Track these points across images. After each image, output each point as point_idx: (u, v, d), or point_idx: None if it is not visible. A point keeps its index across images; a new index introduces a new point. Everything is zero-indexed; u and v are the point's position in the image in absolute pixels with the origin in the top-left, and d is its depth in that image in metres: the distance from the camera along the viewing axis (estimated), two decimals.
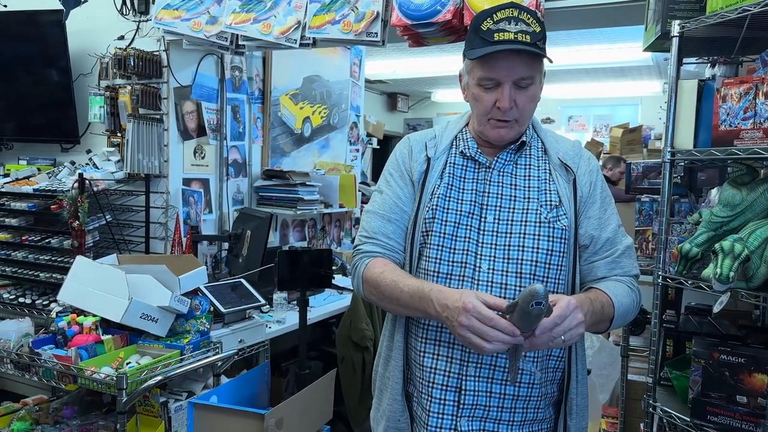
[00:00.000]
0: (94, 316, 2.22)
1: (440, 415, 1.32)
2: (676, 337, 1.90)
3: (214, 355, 2.27)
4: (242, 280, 2.75)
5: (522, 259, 1.28)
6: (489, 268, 1.29)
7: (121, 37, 3.11)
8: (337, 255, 4.17)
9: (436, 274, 1.32)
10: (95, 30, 3.17)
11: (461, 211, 1.33)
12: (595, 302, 1.24)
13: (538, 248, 1.29)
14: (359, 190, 4.45)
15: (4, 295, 2.99)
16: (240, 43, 2.67)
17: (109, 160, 3.02)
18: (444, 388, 1.32)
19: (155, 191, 3.07)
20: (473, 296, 1.12)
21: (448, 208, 1.34)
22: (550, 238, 1.29)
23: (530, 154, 1.38)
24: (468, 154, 1.38)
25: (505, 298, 1.25)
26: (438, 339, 1.33)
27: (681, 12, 1.78)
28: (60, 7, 2.94)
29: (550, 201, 1.32)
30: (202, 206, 3.19)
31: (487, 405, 1.31)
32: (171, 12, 2.70)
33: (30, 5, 3.01)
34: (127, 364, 2.08)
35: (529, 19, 1.25)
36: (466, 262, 1.30)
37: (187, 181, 3.20)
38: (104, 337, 2.15)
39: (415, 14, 2.29)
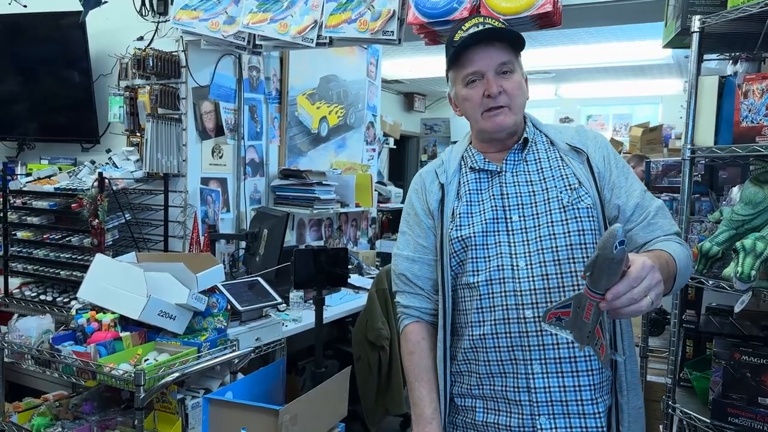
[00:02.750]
0: (113, 313, 2.25)
1: (519, 416, 1.31)
2: (697, 338, 1.87)
3: (231, 352, 2.28)
4: (259, 279, 2.77)
5: (556, 246, 1.29)
6: (527, 264, 1.30)
7: (141, 38, 3.15)
8: (354, 254, 4.18)
9: (476, 285, 1.33)
10: (115, 31, 3.21)
11: (485, 220, 1.35)
12: (661, 258, 1.19)
13: (569, 232, 1.30)
14: (375, 190, 4.45)
15: (26, 292, 3.04)
16: (257, 42, 2.69)
17: (128, 159, 3.06)
18: (514, 390, 1.31)
19: (174, 190, 3.10)
20: None
21: (472, 223, 1.36)
22: (578, 219, 1.30)
23: (537, 149, 1.41)
24: (477, 167, 1.41)
25: (548, 288, 1.27)
26: (496, 345, 1.32)
27: (701, 7, 1.76)
28: (100, 3, 2.97)
29: (569, 185, 1.34)
30: (220, 205, 3.22)
31: (564, 400, 1.28)
32: (189, 12, 2.72)
33: (51, 6, 3.05)
34: (145, 360, 2.10)
35: (495, 22, 1.35)
36: (503, 265, 1.31)
37: (205, 180, 3.22)
38: (123, 334, 2.17)
39: (431, 12, 2.29)
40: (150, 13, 3.13)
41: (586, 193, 1.32)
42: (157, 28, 3.11)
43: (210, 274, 2.37)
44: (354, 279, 3.77)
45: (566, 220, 1.30)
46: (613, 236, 0.92)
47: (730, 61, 2.26)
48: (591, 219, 1.31)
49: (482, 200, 1.38)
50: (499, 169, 1.39)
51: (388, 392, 3.19)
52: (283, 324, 2.80)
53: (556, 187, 1.34)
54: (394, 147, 6.77)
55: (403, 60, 5.85)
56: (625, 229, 1.24)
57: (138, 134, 3.10)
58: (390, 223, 5.92)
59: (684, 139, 1.72)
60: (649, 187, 2.43)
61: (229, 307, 2.49)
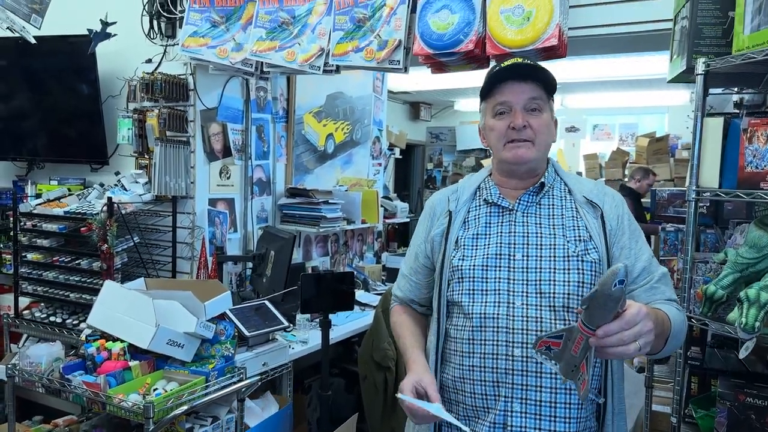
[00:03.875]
0: (122, 341, 2.27)
1: None
2: (702, 375, 1.88)
3: (238, 381, 2.30)
4: (265, 302, 2.79)
5: (554, 293, 1.32)
6: (523, 304, 1.33)
7: (149, 60, 3.17)
8: (360, 270, 4.20)
9: (470, 316, 1.37)
10: (123, 52, 3.23)
11: (488, 254, 1.38)
12: (657, 314, 1.21)
13: (569, 281, 1.32)
14: (381, 205, 4.47)
15: (36, 314, 3.07)
16: (265, 69, 2.71)
17: (137, 182, 3.08)
18: (491, 425, 1.34)
19: (182, 212, 3.12)
20: (409, 383, 1.32)
21: (475, 255, 1.39)
22: (580, 271, 1.32)
23: (553, 195, 1.44)
24: (490, 201, 1.44)
25: (541, 331, 1.30)
26: (483, 378, 1.36)
27: (706, 47, 1.76)
28: (109, 36, 3.00)
29: (579, 236, 1.36)
30: (227, 227, 3.24)
31: None
32: (197, 39, 2.75)
33: (60, 29, 3.08)
34: (154, 390, 2.12)
35: (534, 64, 1.41)
36: (499, 302, 1.34)
37: (213, 202, 3.25)
38: (132, 363, 2.19)
39: (437, 44, 2.30)
40: (158, 36, 3.15)
41: (594, 248, 1.35)
42: (165, 51, 3.14)
43: (218, 302, 2.39)
44: (360, 295, 3.79)
45: (569, 269, 1.33)
46: (615, 274, 0.95)
47: (736, 89, 2.26)
48: (593, 273, 1.33)
49: (489, 234, 1.41)
50: (511, 207, 1.42)
51: (394, 413, 3.21)
52: (290, 347, 2.82)
53: (564, 236, 1.36)
54: (401, 157, 6.78)
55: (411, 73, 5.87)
56: (627, 287, 1.30)
57: (146, 156, 3.13)
58: (396, 232, 5.94)
59: (688, 179, 1.73)
60: (653, 215, 2.44)
61: (236, 333, 2.52)
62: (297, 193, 3.66)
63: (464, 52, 2.28)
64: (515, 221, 1.40)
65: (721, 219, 2.17)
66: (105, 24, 2.80)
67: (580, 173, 7.31)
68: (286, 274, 2.93)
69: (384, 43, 2.45)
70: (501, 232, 1.40)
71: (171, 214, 3.06)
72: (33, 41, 2.04)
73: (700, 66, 1.69)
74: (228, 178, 3.34)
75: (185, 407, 2.06)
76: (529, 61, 1.40)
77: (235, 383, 2.30)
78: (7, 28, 1.90)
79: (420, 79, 6.15)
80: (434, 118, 8.38)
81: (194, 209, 3.13)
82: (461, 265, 1.39)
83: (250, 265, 3.38)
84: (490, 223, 1.42)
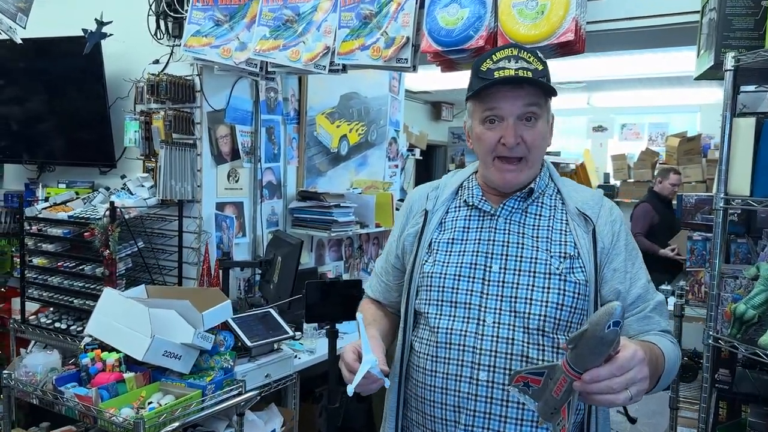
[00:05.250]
0: (118, 351, 2.20)
1: None
2: (731, 400, 1.72)
3: (236, 395, 2.21)
4: (270, 310, 2.70)
5: (529, 313, 1.19)
6: (494, 322, 1.20)
7: (156, 61, 3.11)
8: None
9: (435, 330, 1.25)
10: (131, 54, 3.18)
11: (462, 263, 1.25)
12: (653, 352, 1.09)
13: (547, 302, 1.19)
14: (397, 208, 4.35)
15: (42, 319, 3.03)
16: (269, 69, 2.62)
17: (142, 185, 3.02)
18: None
19: (188, 216, 3.05)
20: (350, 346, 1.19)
21: (447, 262, 1.27)
22: (561, 292, 1.19)
23: (542, 203, 1.29)
24: (471, 203, 1.31)
25: (510, 354, 1.18)
26: (443, 401, 1.25)
27: (737, 41, 1.61)
28: (105, 36, 2.95)
29: (565, 252, 1.22)
30: (234, 232, 3.16)
31: None
32: (200, 39, 2.66)
33: (66, 30, 3.03)
34: (149, 404, 2.04)
35: (530, 57, 1.21)
36: (469, 317, 1.22)
37: (220, 205, 3.17)
38: (126, 375, 2.12)
39: (446, 40, 2.17)
40: (165, 36, 3.08)
41: (581, 268, 1.21)
42: (172, 51, 3.07)
43: (217, 312, 2.30)
44: None
45: (548, 288, 1.19)
46: (609, 314, 0.83)
47: None
48: (576, 296, 1.20)
49: (466, 239, 1.28)
50: (493, 212, 1.29)
51: None
52: (296, 356, 2.72)
53: (549, 250, 1.22)
54: (421, 158, 6.65)
55: (430, 72, 5.74)
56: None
57: (153, 159, 3.06)
58: None
59: (716, 186, 1.58)
60: (679, 223, 2.28)
61: (238, 344, 2.43)
62: (308, 197, 3.56)
63: (475, 49, 2.14)
64: (496, 228, 1.26)
65: (754, 227, 2.00)
66: (100, 23, 2.74)
67: (607, 174, 7.09)
68: (293, 280, 2.84)
69: (391, 41, 2.33)
70: (479, 239, 1.26)
71: (177, 219, 2.99)
72: (20, 41, 1.98)
73: (730, 61, 1.54)
74: (237, 181, 3.26)
75: (177, 423, 1.97)
76: (525, 58, 1.21)
77: (233, 397, 2.21)
78: None
79: (440, 79, 6.01)
80: (456, 117, 8.22)
81: (201, 213, 3.05)
82: (431, 272, 1.27)
83: (259, 270, 3.29)
84: (468, 228, 1.29)
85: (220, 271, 2.95)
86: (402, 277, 1.38)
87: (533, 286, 1.20)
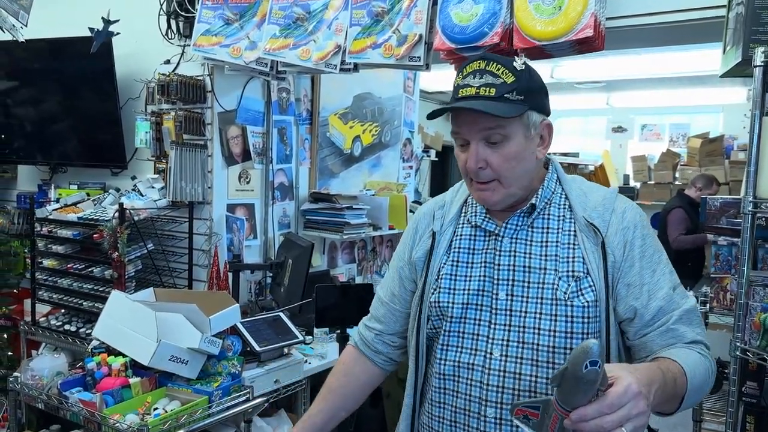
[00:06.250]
0: (124, 356, 2.16)
1: None
2: (759, 414, 1.63)
3: (244, 401, 2.16)
4: (280, 314, 2.65)
5: (538, 345, 1.13)
6: (502, 355, 1.15)
7: (167, 62, 3.08)
8: None
9: (444, 362, 1.21)
10: (142, 54, 3.15)
11: (470, 289, 1.20)
12: (667, 374, 1.00)
13: (555, 331, 1.13)
14: (411, 210, 4.28)
15: (52, 321, 3.01)
16: (280, 69, 2.57)
17: (153, 187, 2.99)
18: None
19: (199, 218, 3.01)
20: None
21: (454, 289, 1.22)
22: (569, 319, 1.12)
23: (548, 215, 1.21)
24: (474, 222, 1.25)
25: (518, 390, 1.13)
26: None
27: (767, 35, 1.52)
28: (112, 34, 2.93)
29: (573, 271, 1.14)
30: (244, 234, 3.12)
31: None
32: (209, 38, 2.62)
33: (77, 30, 3.01)
34: (154, 409, 2.00)
35: (499, 70, 1.12)
36: (476, 349, 1.17)
37: (231, 207, 3.13)
38: (132, 381, 2.08)
39: (459, 38, 2.11)
40: (176, 36, 3.05)
41: (591, 287, 1.13)
42: (183, 51, 3.04)
43: (224, 316, 2.26)
44: None
45: (556, 316, 1.13)
46: (586, 353, 0.80)
47: None
48: (585, 321, 1.12)
49: (471, 263, 1.23)
50: (497, 231, 1.22)
51: None
52: (306, 361, 2.67)
53: (556, 270, 1.15)
54: (437, 159, 6.57)
55: (446, 72, 5.67)
56: (641, 335, 1.11)
57: (164, 160, 3.03)
58: None
59: (744, 189, 1.49)
60: (703, 227, 2.19)
61: (247, 348, 2.38)
62: (320, 198, 3.51)
63: (489, 46, 2.08)
64: (501, 250, 1.20)
65: None
66: (107, 22, 2.71)
67: (627, 176, 6.96)
68: (304, 283, 2.79)
69: (403, 39, 2.27)
70: (485, 262, 1.21)
71: (187, 220, 2.95)
72: (22, 39, 1.96)
73: (759, 56, 1.45)
74: (248, 182, 3.22)
75: (183, 430, 1.93)
76: (491, 68, 1.12)
77: (240, 404, 2.16)
78: None
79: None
80: None
81: (211, 215, 3.02)
82: (438, 301, 1.22)
83: (270, 273, 3.25)
84: (473, 250, 1.23)
85: (230, 274, 2.91)
86: (403, 304, 1.35)
87: (541, 313, 1.14)
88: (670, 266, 1.18)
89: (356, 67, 2.44)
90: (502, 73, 1.12)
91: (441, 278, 1.23)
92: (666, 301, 1.13)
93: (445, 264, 1.24)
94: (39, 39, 3.17)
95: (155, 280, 2.94)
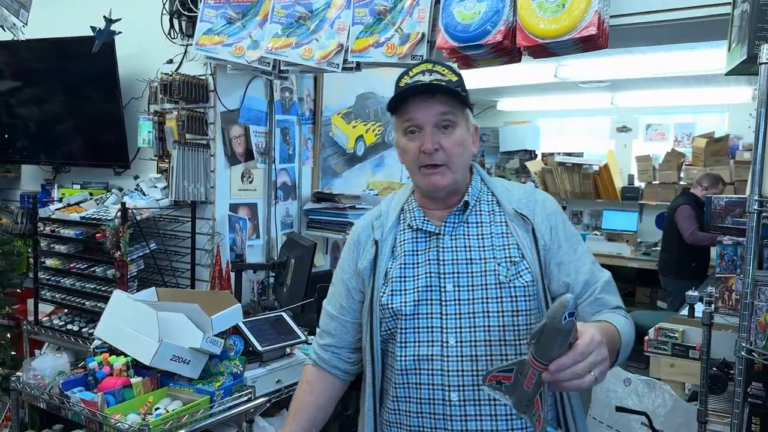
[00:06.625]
0: (126, 356, 2.16)
1: None
2: (764, 415, 1.61)
3: (246, 401, 2.15)
4: (283, 314, 2.64)
5: (489, 326, 1.25)
6: (457, 342, 1.25)
7: (170, 61, 3.07)
8: None
9: (404, 358, 1.28)
10: (145, 53, 3.16)
11: (419, 287, 1.29)
12: (608, 332, 1.14)
13: (503, 311, 1.25)
14: None
15: (55, 321, 3.01)
16: (282, 68, 2.56)
17: (155, 186, 2.99)
18: None
19: (201, 217, 3.01)
20: None
21: (404, 289, 1.31)
22: (513, 298, 1.26)
23: (480, 210, 1.34)
24: (415, 226, 1.34)
25: (476, 371, 1.23)
26: (420, 424, 1.29)
27: None
28: (114, 33, 2.93)
29: (510, 257, 1.28)
30: (246, 233, 3.11)
31: None
32: (211, 37, 2.62)
33: (79, 30, 3.01)
34: (156, 409, 1.99)
35: (444, 71, 1.28)
36: (433, 341, 1.26)
37: (234, 207, 3.12)
38: (133, 380, 2.07)
39: (462, 36, 2.10)
40: (179, 35, 3.05)
41: (527, 269, 1.27)
42: (185, 51, 3.03)
43: (226, 316, 2.25)
44: None
45: (501, 298, 1.25)
46: (564, 307, 0.91)
47: None
48: (527, 298, 1.25)
49: (417, 263, 1.32)
50: (437, 231, 1.33)
51: None
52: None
53: (495, 258, 1.28)
54: None
55: None
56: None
57: (166, 160, 3.03)
58: None
59: (749, 188, 1.48)
60: (708, 226, 2.17)
61: (249, 348, 2.37)
62: (323, 198, 3.51)
63: (492, 45, 2.06)
64: (443, 246, 1.31)
65: None
66: (109, 21, 2.71)
67: (632, 176, 6.92)
68: (306, 283, 2.78)
69: (406, 37, 2.26)
70: (429, 261, 1.31)
71: (190, 220, 2.95)
72: (23, 37, 1.96)
73: (765, 54, 1.44)
74: (251, 182, 3.21)
75: (184, 430, 1.92)
76: (439, 71, 1.28)
77: (242, 404, 2.15)
78: (0, 25, 1.82)
79: None
80: (476, 118, 7.92)
81: (214, 215, 3.02)
82: (391, 303, 1.30)
83: (273, 273, 3.24)
84: (416, 251, 1.33)
85: (233, 274, 2.90)
86: (353, 315, 1.41)
87: (487, 298, 1.25)
88: (585, 245, 1.36)
89: (358, 66, 2.43)
90: (447, 73, 1.28)
91: (390, 281, 1.31)
92: (590, 274, 1.29)
93: (392, 268, 1.32)
94: (42, 39, 3.18)
95: (158, 279, 2.93)
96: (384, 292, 1.31)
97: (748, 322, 1.47)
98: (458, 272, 1.27)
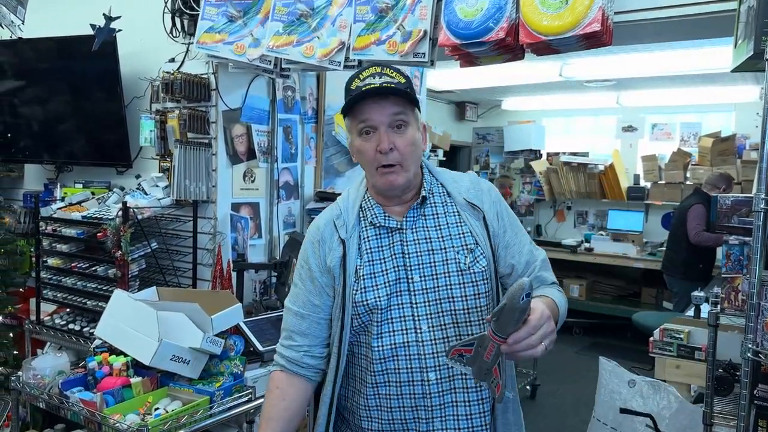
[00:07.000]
0: (126, 355, 2.15)
1: None
2: None
3: (246, 402, 2.14)
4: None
5: (455, 310, 1.36)
6: (429, 327, 1.35)
7: (172, 60, 3.06)
8: None
9: (381, 348, 1.36)
10: (147, 52, 3.14)
11: (389, 282, 1.37)
12: (551, 306, 1.28)
13: (466, 296, 1.36)
14: None
15: (56, 320, 3.01)
16: (283, 66, 2.55)
17: (157, 185, 2.98)
18: None
19: (203, 216, 3.00)
20: None
21: (376, 285, 1.38)
22: (474, 283, 1.37)
23: (434, 203, 1.43)
24: (377, 223, 1.41)
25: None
26: (401, 404, 1.38)
27: None
28: (114, 31, 2.92)
29: (466, 245, 1.39)
30: (248, 233, 3.10)
31: None
32: (212, 36, 2.61)
33: (81, 29, 3.00)
34: (155, 410, 1.98)
35: (393, 73, 1.36)
36: (406, 329, 1.36)
37: (236, 206, 3.11)
38: (133, 381, 2.06)
39: (464, 33, 2.08)
40: (180, 34, 3.04)
41: (482, 254, 1.38)
42: (187, 49, 3.02)
43: (226, 316, 2.24)
44: None
45: (464, 283, 1.36)
46: (522, 289, 1.06)
47: None
48: (485, 282, 1.38)
49: (384, 258, 1.40)
50: (399, 226, 1.40)
51: None
52: None
53: (454, 247, 1.38)
54: (444, 159, 6.52)
55: (453, 71, 5.63)
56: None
57: (168, 159, 3.02)
58: None
59: (756, 186, 1.45)
60: (714, 226, 2.14)
61: (250, 348, 2.36)
62: (326, 197, 3.49)
63: (495, 42, 2.04)
64: (406, 240, 1.39)
65: None
66: (109, 18, 2.69)
67: (637, 175, 6.88)
68: None
69: (408, 35, 2.24)
70: (395, 255, 1.39)
71: (191, 219, 2.94)
72: (21, 34, 1.94)
73: None
74: (253, 181, 3.20)
75: (183, 431, 1.91)
76: (388, 74, 1.35)
77: (242, 404, 2.14)
78: None
79: (464, 78, 5.90)
80: (481, 118, 8.08)
81: (216, 214, 3.00)
82: (365, 299, 1.37)
83: (275, 272, 3.23)
84: (381, 247, 1.40)
85: (235, 273, 2.89)
86: (326, 312, 1.44)
87: (451, 284, 1.36)
88: (521, 225, 1.49)
89: (360, 64, 2.41)
90: (395, 75, 1.35)
91: (361, 278, 1.38)
92: (530, 255, 1.44)
93: (361, 265, 1.39)
94: (44, 38, 3.17)
95: (159, 279, 2.92)
96: (357, 289, 1.38)
97: (754, 323, 1.44)
98: (422, 263, 1.37)
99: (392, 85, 1.33)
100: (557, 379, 5.10)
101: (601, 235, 6.77)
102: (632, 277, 6.82)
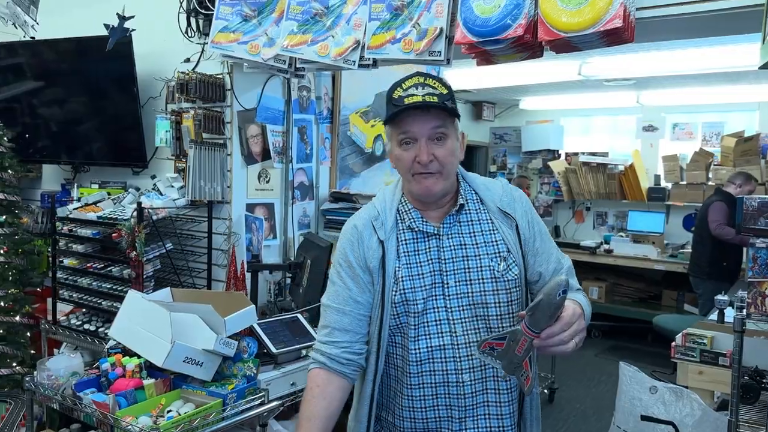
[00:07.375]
0: (139, 357, 2.14)
1: None
2: None
3: (259, 404, 2.12)
4: (298, 316, 2.60)
5: (488, 315, 1.40)
6: (464, 331, 1.39)
7: (187, 60, 3.06)
8: None
9: (418, 350, 1.40)
10: (163, 52, 3.14)
11: (425, 285, 1.41)
12: (579, 308, 1.29)
13: (499, 303, 1.40)
14: None
15: (72, 320, 3.01)
16: (298, 65, 2.52)
17: (172, 186, 2.97)
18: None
19: (218, 217, 2.99)
20: None
21: (414, 287, 1.41)
22: (507, 291, 1.41)
23: (469, 209, 1.45)
24: (415, 227, 1.44)
25: None
26: (435, 404, 1.41)
27: None
28: (127, 31, 2.92)
29: (499, 252, 1.42)
30: (263, 234, 3.08)
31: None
32: (227, 35, 2.59)
33: (97, 30, 3.01)
34: (168, 412, 1.97)
35: (434, 83, 1.37)
36: (442, 332, 1.39)
37: (251, 207, 3.09)
38: (146, 382, 2.05)
39: (481, 30, 2.03)
40: (196, 34, 3.03)
41: (514, 262, 1.42)
42: (203, 49, 3.01)
43: (240, 317, 2.22)
44: None
45: (497, 290, 1.40)
46: (559, 285, 1.11)
47: None
48: (518, 289, 1.42)
49: (420, 262, 1.43)
50: (436, 231, 1.43)
51: None
52: None
53: (488, 254, 1.41)
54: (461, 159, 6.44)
55: (470, 70, 5.57)
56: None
57: (183, 160, 3.01)
58: None
59: None
60: (740, 228, 2.07)
61: (263, 350, 2.34)
62: (341, 198, 3.46)
63: (513, 39, 2.00)
64: (443, 246, 1.42)
65: None
66: (122, 18, 2.69)
67: (658, 176, 6.77)
68: (323, 284, 2.73)
69: (423, 33, 2.20)
70: (431, 260, 1.42)
71: (206, 220, 2.93)
72: (34, 33, 1.94)
73: None
74: (267, 181, 3.18)
75: None
76: (431, 85, 1.36)
77: (255, 407, 2.11)
78: (12, 23, 1.80)
79: (481, 77, 5.84)
80: (498, 117, 8.00)
81: (230, 215, 2.99)
82: (404, 300, 1.40)
83: (289, 273, 3.21)
84: (418, 251, 1.43)
85: (249, 274, 2.87)
86: (367, 309, 1.45)
87: (485, 291, 1.39)
88: (549, 234, 1.51)
89: (375, 63, 2.38)
90: (437, 86, 1.36)
91: (400, 281, 1.41)
92: (557, 262, 1.47)
93: (399, 268, 1.42)
94: (61, 39, 3.18)
95: (174, 279, 2.92)
96: (396, 291, 1.40)
97: None
98: (457, 269, 1.40)
99: (434, 97, 1.34)
100: (576, 382, 5.03)
101: (621, 236, 6.66)
102: (653, 280, 6.71)
